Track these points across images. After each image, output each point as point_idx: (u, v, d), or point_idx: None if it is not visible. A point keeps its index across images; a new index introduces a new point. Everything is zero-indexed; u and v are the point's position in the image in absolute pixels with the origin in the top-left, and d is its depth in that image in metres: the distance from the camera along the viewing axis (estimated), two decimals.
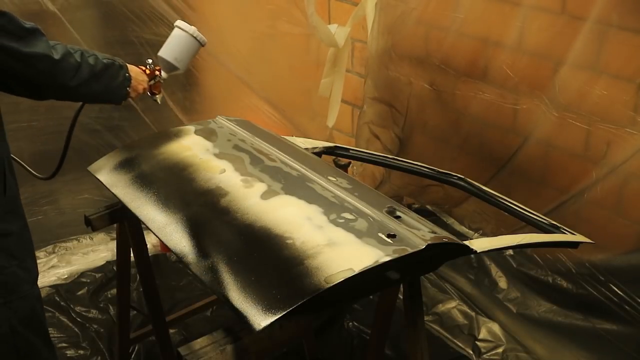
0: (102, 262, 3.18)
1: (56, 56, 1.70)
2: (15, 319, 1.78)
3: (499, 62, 2.55)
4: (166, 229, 1.70)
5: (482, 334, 2.71)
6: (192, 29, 2.12)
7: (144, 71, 2.09)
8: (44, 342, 1.90)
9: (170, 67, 2.14)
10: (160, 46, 2.15)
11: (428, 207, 3.09)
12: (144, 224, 1.79)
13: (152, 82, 2.13)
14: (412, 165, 2.30)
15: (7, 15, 1.61)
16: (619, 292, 2.35)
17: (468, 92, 2.71)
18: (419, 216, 1.72)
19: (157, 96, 2.19)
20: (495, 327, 2.72)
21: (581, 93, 2.31)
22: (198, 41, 2.13)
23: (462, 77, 2.72)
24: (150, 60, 2.11)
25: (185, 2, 3.10)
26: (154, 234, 1.72)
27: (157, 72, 2.14)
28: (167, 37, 2.14)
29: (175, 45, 2.13)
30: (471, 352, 2.66)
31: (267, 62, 3.36)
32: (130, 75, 1.96)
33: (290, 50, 3.34)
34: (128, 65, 1.98)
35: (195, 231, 1.67)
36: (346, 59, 3.23)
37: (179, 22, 2.14)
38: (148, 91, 2.13)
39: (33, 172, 2.21)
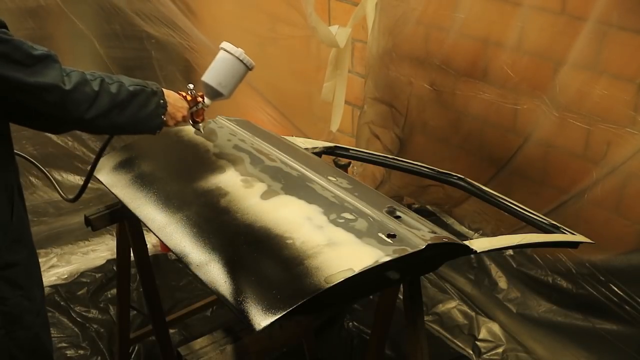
0: (102, 262, 3.18)
1: (67, 86, 1.51)
2: (16, 348, 1.71)
3: (500, 62, 2.55)
4: (166, 229, 1.70)
5: (482, 334, 2.71)
6: (238, 51, 1.89)
7: (185, 97, 1.85)
8: None
9: (214, 93, 1.91)
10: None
11: (428, 207, 3.09)
12: (144, 224, 1.79)
13: (194, 109, 1.89)
14: (412, 165, 2.30)
15: (12, 42, 1.43)
16: (619, 292, 2.35)
17: (468, 92, 2.71)
18: (419, 216, 1.72)
19: (200, 124, 1.94)
20: (495, 327, 2.72)
21: (581, 93, 2.31)
22: (245, 64, 1.90)
23: (462, 77, 2.72)
24: (191, 86, 1.89)
25: (186, 5, 3.08)
26: (154, 234, 1.72)
27: (199, 99, 1.90)
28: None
29: (219, 69, 1.90)
30: (471, 352, 2.66)
31: (267, 66, 3.34)
32: (165, 102, 1.74)
33: (291, 53, 3.33)
34: (165, 90, 1.76)
35: (195, 231, 1.67)
36: (348, 61, 3.22)
37: (224, 44, 1.92)
38: (189, 119, 1.89)
39: (61, 193, 2.06)
